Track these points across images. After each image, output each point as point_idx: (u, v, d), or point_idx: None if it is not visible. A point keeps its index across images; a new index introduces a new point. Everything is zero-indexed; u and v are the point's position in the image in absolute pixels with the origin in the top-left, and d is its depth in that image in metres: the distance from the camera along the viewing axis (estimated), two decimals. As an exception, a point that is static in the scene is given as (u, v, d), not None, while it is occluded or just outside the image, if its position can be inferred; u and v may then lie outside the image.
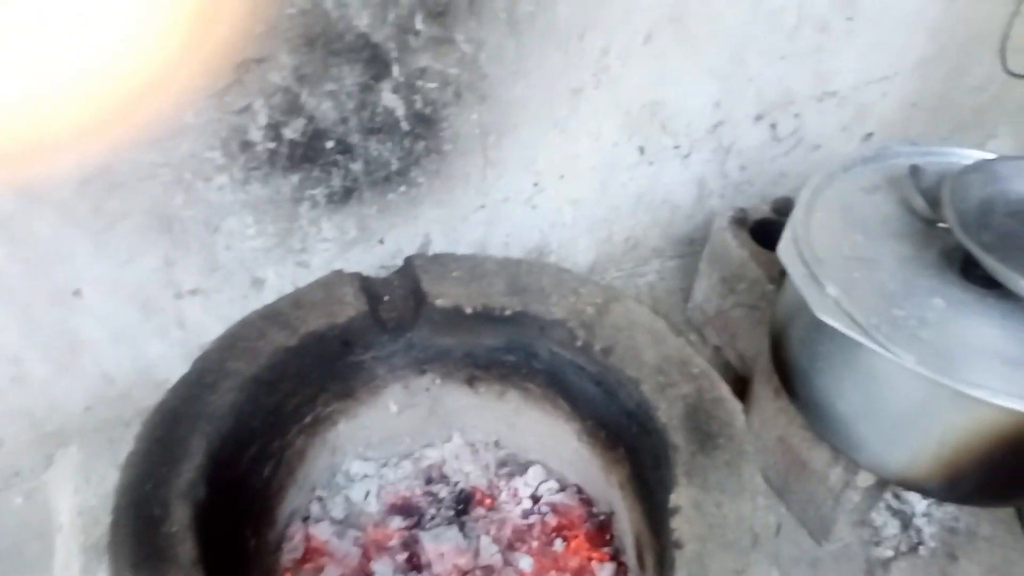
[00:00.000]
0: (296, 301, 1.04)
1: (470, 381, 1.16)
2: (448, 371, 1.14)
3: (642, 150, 1.45)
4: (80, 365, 1.20)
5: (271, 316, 1.02)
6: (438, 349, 1.12)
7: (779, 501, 1.26)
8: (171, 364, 1.20)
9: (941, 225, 1.04)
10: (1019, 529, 1.23)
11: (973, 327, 0.93)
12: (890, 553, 1.20)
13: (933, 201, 1.05)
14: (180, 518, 0.82)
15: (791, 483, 1.23)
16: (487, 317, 1.06)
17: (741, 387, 1.37)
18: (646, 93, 1.38)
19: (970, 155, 1.15)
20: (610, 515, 1.16)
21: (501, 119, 1.26)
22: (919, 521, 1.23)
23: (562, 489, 1.19)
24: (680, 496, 0.86)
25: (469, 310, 1.05)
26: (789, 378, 1.11)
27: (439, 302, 1.06)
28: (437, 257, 1.13)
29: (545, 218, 1.46)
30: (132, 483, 0.85)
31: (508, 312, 1.06)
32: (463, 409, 1.19)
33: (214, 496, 0.87)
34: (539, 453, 1.22)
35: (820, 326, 0.96)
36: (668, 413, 0.95)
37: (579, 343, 1.03)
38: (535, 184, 1.39)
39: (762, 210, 1.44)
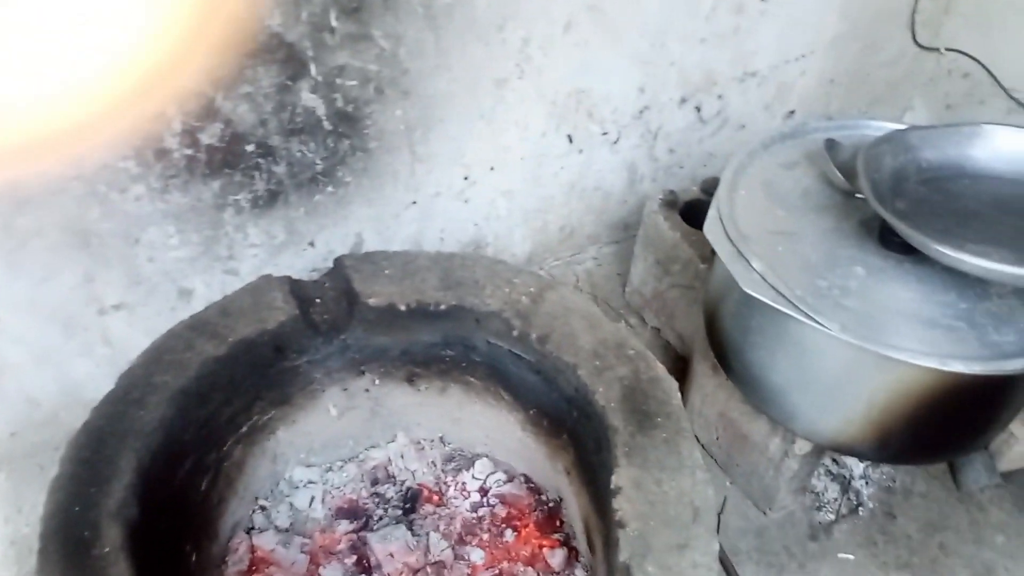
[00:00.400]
0: (223, 309, 1.02)
1: (410, 379, 1.15)
2: (387, 370, 1.13)
3: (570, 138, 1.46)
4: (2, 390, 1.15)
5: (198, 326, 0.99)
6: (375, 349, 1.10)
7: (724, 475, 1.28)
8: (99, 383, 1.15)
9: (859, 196, 1.07)
10: (952, 484, 1.27)
11: (892, 292, 0.96)
12: (831, 517, 1.23)
13: (849, 173, 1.08)
14: (111, 539, 0.79)
15: (734, 456, 1.25)
16: (422, 313, 1.05)
17: (681, 366, 1.39)
18: (570, 82, 1.38)
19: (884, 127, 1.19)
20: (559, 502, 1.17)
21: (426, 114, 1.26)
22: (857, 484, 1.26)
23: (510, 480, 1.19)
24: (621, 477, 0.87)
25: (403, 307, 1.04)
26: (724, 354, 1.13)
27: (372, 301, 1.04)
28: (368, 256, 1.11)
29: (479, 211, 1.46)
30: (59, 507, 0.82)
31: (443, 307, 1.05)
32: (405, 407, 1.18)
33: (148, 514, 0.84)
34: (485, 446, 1.22)
35: (749, 301, 0.98)
36: (606, 396, 0.96)
37: (515, 333, 1.03)
38: (466, 178, 1.39)
39: (692, 191, 1.47)
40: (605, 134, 1.49)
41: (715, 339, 1.16)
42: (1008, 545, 1.21)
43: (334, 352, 1.08)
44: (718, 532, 1.20)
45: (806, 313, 0.92)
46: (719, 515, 1.23)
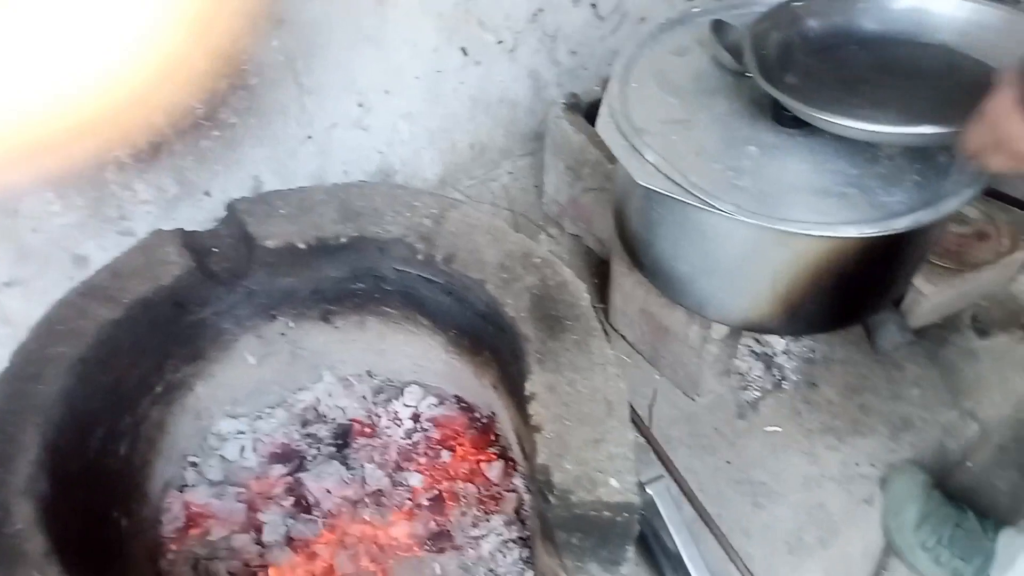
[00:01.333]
0: (115, 271, 0.98)
1: (325, 316, 1.13)
2: (299, 311, 1.11)
3: (465, 51, 1.41)
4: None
5: (89, 292, 0.96)
6: (282, 291, 1.08)
7: (653, 368, 1.31)
8: (3, 365, 1.12)
9: (749, 75, 1.06)
10: (868, 346, 1.32)
11: (785, 167, 0.96)
12: (757, 394, 1.27)
13: (739, 53, 1.07)
14: (24, 516, 0.78)
15: (659, 349, 1.28)
16: (323, 249, 1.03)
17: (604, 269, 1.40)
18: (454, -10, 1.33)
19: (772, 2, 1.17)
20: (492, 417, 1.18)
21: (306, 42, 1.20)
22: (780, 359, 1.30)
23: (441, 403, 1.20)
24: (534, 383, 0.88)
25: (303, 245, 1.02)
26: (634, 250, 1.14)
27: (269, 243, 1.01)
28: (262, 197, 1.07)
29: (380, 138, 1.42)
30: (-34, 494, 0.80)
31: (343, 239, 1.03)
32: (326, 346, 1.17)
33: (61, 487, 0.82)
34: (413, 373, 1.22)
35: (650, 195, 0.98)
36: (516, 307, 0.95)
37: (420, 256, 1.02)
38: (360, 105, 1.34)
39: (595, 91, 1.44)
40: (500, 42, 1.45)
41: (625, 237, 1.16)
42: (923, 397, 1.27)
43: (240, 300, 1.05)
44: (651, 423, 1.24)
45: (700, 198, 0.92)
46: (651, 407, 1.27)
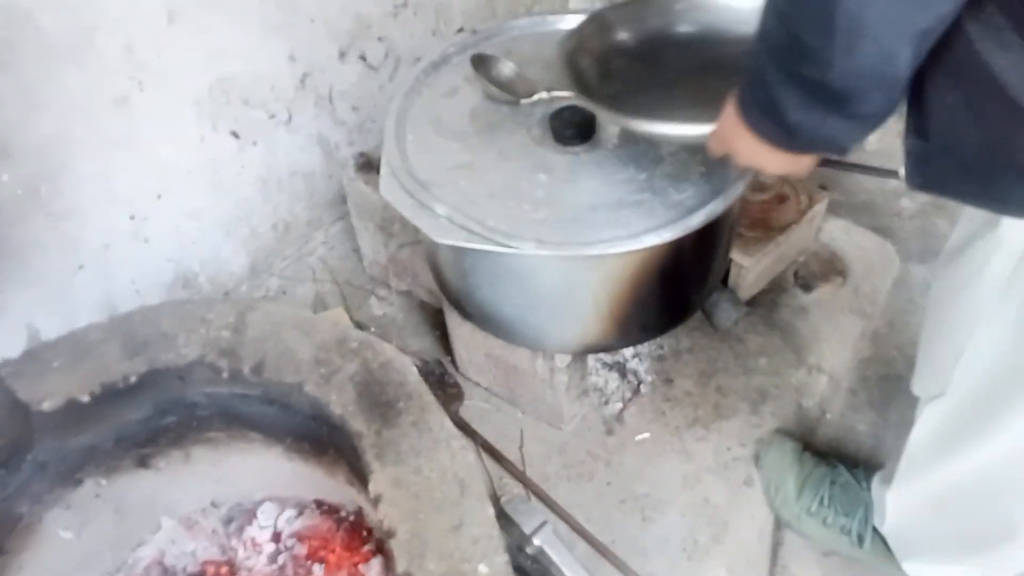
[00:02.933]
0: None
1: (142, 462, 1.01)
2: (109, 465, 0.98)
3: (236, 134, 1.32)
4: None
5: None
6: (80, 451, 0.95)
7: (515, 408, 1.27)
8: None
9: (525, 102, 1.04)
10: (711, 329, 1.34)
11: (579, 188, 0.95)
12: (619, 405, 1.26)
13: (505, 83, 1.05)
14: None
15: (514, 389, 1.24)
16: (113, 394, 0.91)
17: (441, 319, 1.35)
18: (207, 74, 1.24)
19: (538, 22, 1.17)
20: (358, 511, 1.09)
21: (43, 166, 1.07)
22: (632, 364, 1.30)
23: (301, 512, 1.10)
24: (377, 482, 0.81)
25: (86, 397, 0.89)
26: (457, 300, 1.09)
27: (46, 405, 0.88)
28: (29, 355, 0.94)
29: (167, 246, 1.30)
30: None
31: (133, 378, 0.91)
32: (154, 492, 1.04)
33: None
34: (262, 490, 1.11)
35: (455, 248, 0.93)
36: (341, 402, 0.88)
37: (225, 374, 0.92)
38: (132, 217, 1.22)
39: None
40: (273, 117, 1.37)
41: (445, 289, 1.11)
42: (771, 364, 1.30)
43: (30, 476, 0.91)
44: (525, 465, 1.20)
45: (501, 243, 0.88)
46: (521, 449, 1.22)
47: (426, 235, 1.01)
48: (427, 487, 0.80)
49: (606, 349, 1.17)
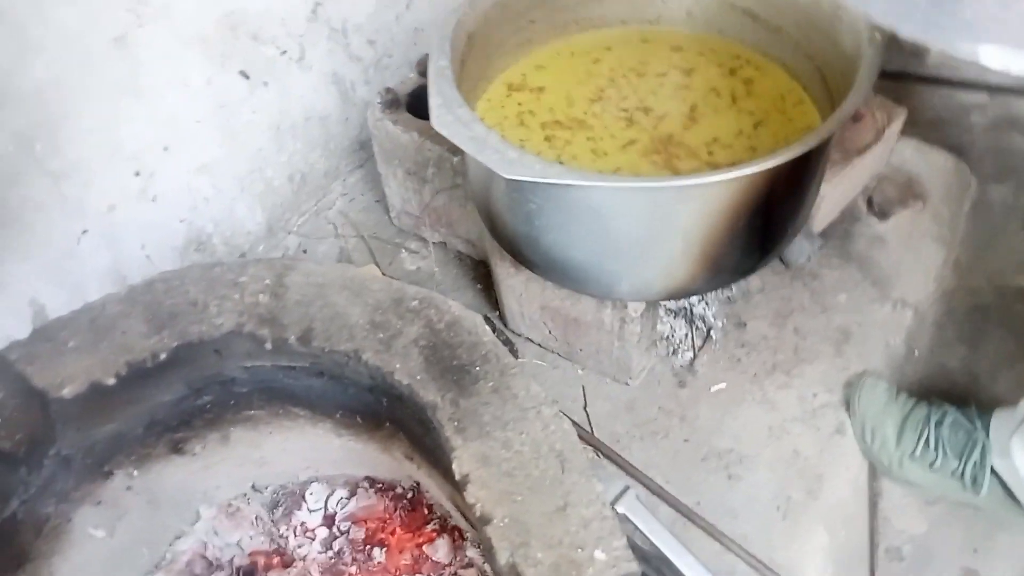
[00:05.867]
0: None
1: (176, 448, 0.89)
2: (140, 454, 0.87)
3: (245, 74, 1.17)
4: None
5: None
6: (107, 441, 0.83)
7: (573, 364, 1.16)
8: None
9: None
10: (782, 267, 1.23)
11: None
12: (689, 355, 1.15)
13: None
14: None
15: (574, 344, 1.12)
16: (141, 375, 0.79)
17: (484, 270, 1.23)
18: (212, 6, 1.09)
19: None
20: (415, 487, 0.99)
21: (40, 116, 0.93)
22: (699, 309, 1.18)
23: (353, 493, 1.00)
24: (463, 462, 0.70)
25: (111, 380, 0.78)
26: (517, 249, 0.97)
27: (66, 392, 0.77)
28: (40, 333, 0.82)
29: (177, 205, 1.16)
30: None
31: (163, 355, 0.79)
32: (190, 480, 0.93)
33: None
34: (308, 470, 1.00)
35: (520, 186, 0.81)
36: (407, 370, 0.76)
37: (268, 345, 0.80)
38: (137, 173, 1.08)
39: (411, 79, 1.24)
40: (284, 53, 1.22)
41: (501, 236, 0.99)
42: (851, 300, 1.19)
43: (54, 473, 0.80)
44: (592, 427, 1.09)
45: (588, 176, 0.76)
46: (586, 409, 1.11)
47: (482, 173, 0.88)
48: (521, 463, 0.69)
49: (689, 294, 1.05)
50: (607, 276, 0.91)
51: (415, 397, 0.75)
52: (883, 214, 1.26)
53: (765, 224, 0.88)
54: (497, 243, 1.01)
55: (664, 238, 0.85)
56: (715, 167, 0.95)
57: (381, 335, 0.79)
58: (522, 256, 0.97)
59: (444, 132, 0.81)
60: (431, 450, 0.81)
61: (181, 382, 0.83)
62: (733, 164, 0.94)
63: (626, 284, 0.92)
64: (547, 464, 0.69)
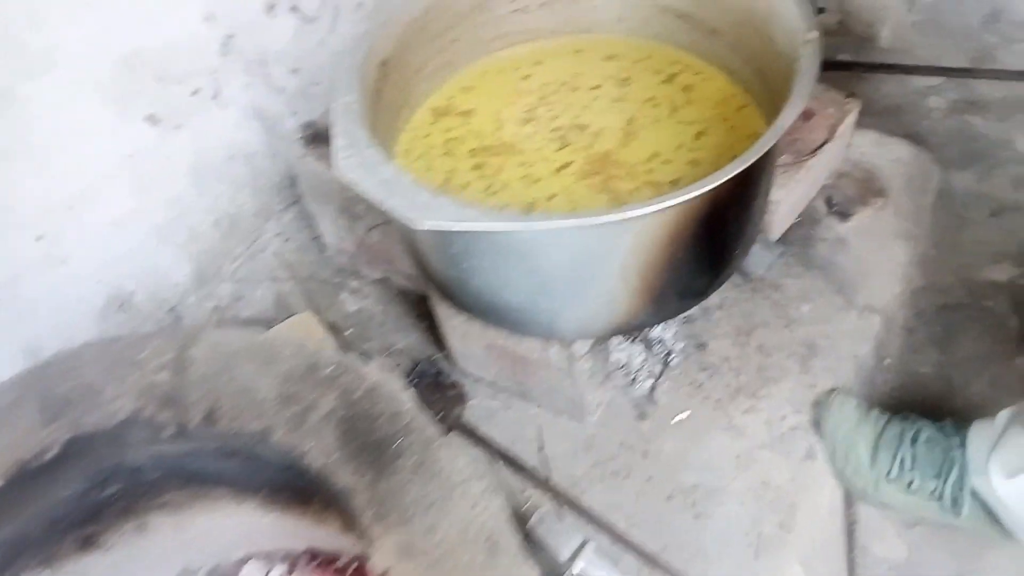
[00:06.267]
0: None
1: (88, 543, 0.81)
2: (47, 555, 0.79)
3: (153, 118, 1.09)
4: None
5: None
6: (7, 544, 0.75)
7: (526, 402, 1.09)
8: None
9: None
10: (741, 279, 1.16)
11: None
12: (650, 382, 1.08)
13: None
14: None
15: (526, 382, 1.05)
16: (32, 475, 0.71)
17: (427, 307, 1.16)
18: (106, 50, 1.01)
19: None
20: (359, 557, 0.91)
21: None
22: (656, 333, 1.11)
23: (293, 568, 0.92)
24: (383, 555, 0.63)
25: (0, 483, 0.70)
26: (449, 292, 0.90)
27: (-56, 503, 0.69)
28: (-82, 435, 0.74)
29: (91, 264, 1.08)
30: None
31: (54, 451, 0.72)
32: (110, 572, 0.85)
33: None
34: (242, 547, 0.92)
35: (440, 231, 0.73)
36: (321, 449, 0.69)
37: (169, 431, 0.73)
38: (40, 237, 1.00)
39: (335, 109, 1.17)
40: (196, 92, 1.14)
41: (430, 278, 0.92)
42: (815, 310, 1.12)
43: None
44: (550, 470, 1.02)
45: (505, 218, 0.69)
46: (541, 451, 1.04)
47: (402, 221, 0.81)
48: (447, 550, 0.62)
49: (640, 327, 0.98)
50: (544, 316, 0.84)
51: (330, 481, 0.67)
52: (844, 214, 1.19)
53: (710, 247, 0.82)
54: (428, 283, 0.94)
55: (600, 274, 0.78)
56: (656, 185, 0.89)
57: (293, 409, 0.71)
58: (454, 300, 0.90)
59: (348, 178, 0.74)
60: (362, 526, 0.74)
61: (80, 476, 0.75)
62: (674, 181, 0.89)
63: (566, 323, 0.85)
64: (476, 548, 0.62)
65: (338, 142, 0.77)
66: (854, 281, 1.14)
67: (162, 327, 1.16)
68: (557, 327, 0.86)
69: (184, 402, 0.73)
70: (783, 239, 1.18)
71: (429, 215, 0.69)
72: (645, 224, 0.72)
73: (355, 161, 0.74)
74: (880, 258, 1.16)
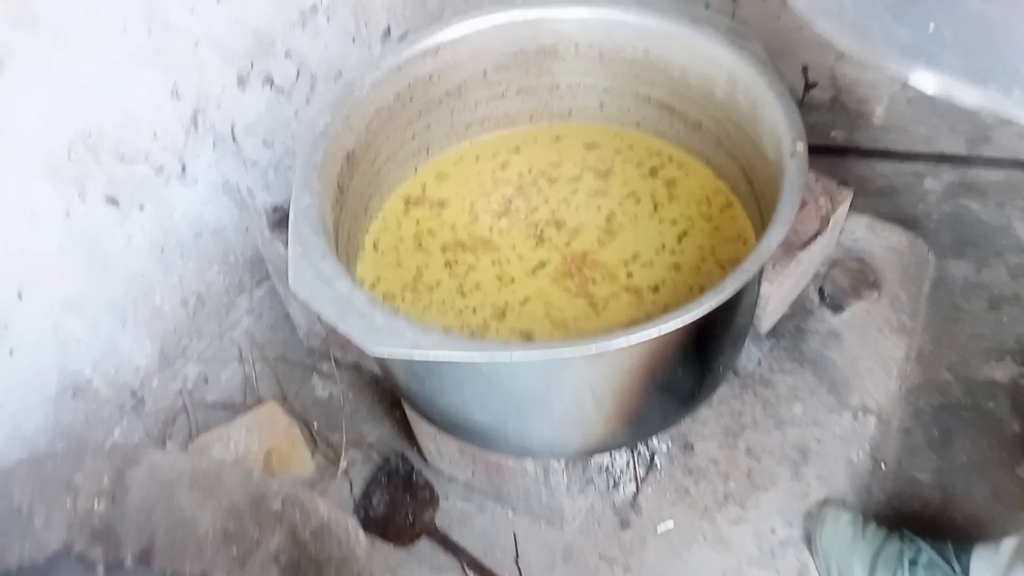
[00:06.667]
0: None
1: None
2: None
3: (114, 200, 1.04)
4: None
5: None
6: None
7: (502, 506, 1.02)
8: None
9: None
10: (730, 375, 1.10)
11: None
12: (632, 487, 1.02)
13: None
14: None
15: (501, 486, 0.99)
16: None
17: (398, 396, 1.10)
18: (61, 129, 0.96)
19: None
20: None
21: None
22: (641, 431, 1.06)
23: None
24: None
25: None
26: (415, 403, 0.84)
27: None
28: None
29: (43, 352, 1.02)
30: None
31: (-32, 594, 0.65)
32: None
33: None
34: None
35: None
36: (262, 599, 0.63)
37: (100, 569, 0.66)
38: (-16, 328, 0.94)
39: (307, 188, 1.12)
40: (161, 170, 1.09)
41: (397, 387, 0.86)
42: (807, 410, 1.07)
43: None
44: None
45: (466, 347, 0.63)
46: (517, 561, 0.98)
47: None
48: None
49: (615, 447, 0.93)
50: (514, 437, 0.78)
51: (271, 638, 0.61)
52: (836, 307, 1.15)
53: (693, 367, 0.76)
54: (396, 389, 0.88)
55: (571, 400, 0.72)
56: (635, 291, 0.84)
57: (235, 549, 0.65)
58: (421, 412, 0.84)
59: (301, 294, 0.68)
60: None
61: (0, 616, 0.69)
62: (655, 287, 0.84)
63: (537, 445, 0.79)
64: None
65: (293, 251, 0.71)
66: (847, 378, 1.09)
67: (98, 447, 1.08)
68: (529, 448, 0.80)
69: (119, 536, 0.67)
70: (773, 332, 1.13)
71: (384, 341, 0.63)
72: (619, 355, 0.66)
73: (309, 274, 0.69)
74: (874, 353, 1.11)
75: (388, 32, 1.38)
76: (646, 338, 0.61)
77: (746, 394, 1.08)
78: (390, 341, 0.63)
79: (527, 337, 0.80)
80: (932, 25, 0.50)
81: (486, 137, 1.02)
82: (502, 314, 0.83)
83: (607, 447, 0.83)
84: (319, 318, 0.66)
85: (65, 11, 0.89)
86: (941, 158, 1.26)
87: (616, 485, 1.02)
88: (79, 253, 1.03)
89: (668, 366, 0.70)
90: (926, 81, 0.48)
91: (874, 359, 1.11)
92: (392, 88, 0.89)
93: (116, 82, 0.99)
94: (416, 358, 0.62)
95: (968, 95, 0.47)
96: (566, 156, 1.00)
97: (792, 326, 1.14)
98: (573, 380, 0.69)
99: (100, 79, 0.97)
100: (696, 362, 0.74)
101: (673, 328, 0.61)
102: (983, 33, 0.50)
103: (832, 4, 0.54)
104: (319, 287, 0.68)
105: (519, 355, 0.61)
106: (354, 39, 1.32)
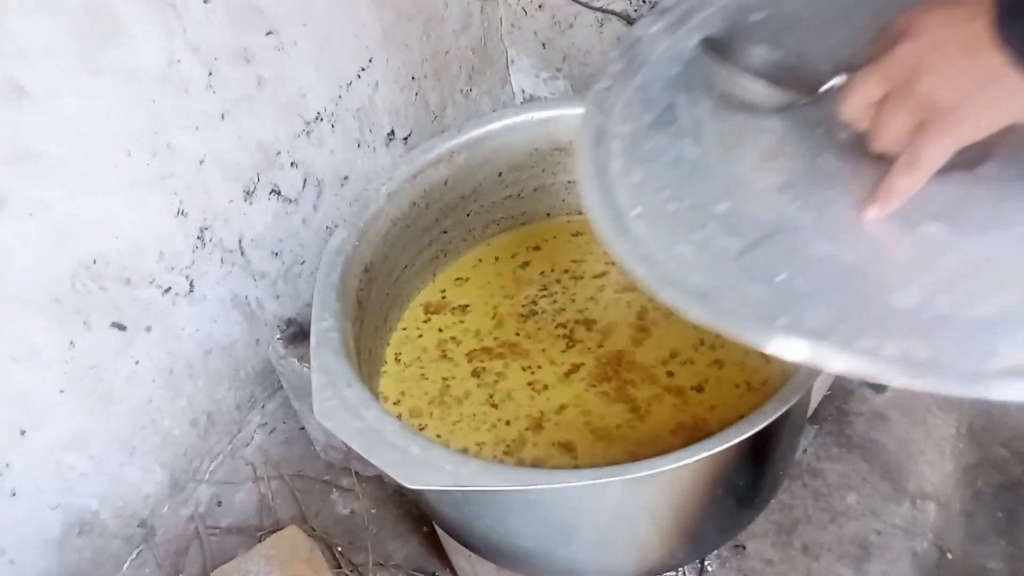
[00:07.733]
0: None
1: None
2: None
3: (120, 325, 1.00)
4: None
5: None
6: None
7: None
8: None
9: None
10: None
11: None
12: (683, 599, 0.94)
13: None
14: None
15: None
16: None
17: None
18: (63, 261, 0.93)
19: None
20: None
21: None
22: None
23: None
24: None
25: None
26: (451, 528, 0.78)
27: None
28: None
29: (45, 491, 0.96)
30: None
31: None
32: None
33: None
34: None
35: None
36: None
37: None
38: (-14, 472, 0.89)
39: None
40: (168, 291, 1.05)
41: (431, 512, 0.80)
42: (862, 500, 1.00)
43: None
44: None
45: (508, 477, 0.58)
46: None
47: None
48: None
49: (673, 568, 0.86)
50: (562, 563, 0.72)
51: None
52: (878, 387, 1.09)
53: (754, 474, 0.71)
54: (430, 514, 0.82)
55: (624, 523, 0.67)
56: (678, 392, 0.79)
57: None
58: (458, 538, 0.78)
59: (328, 426, 0.64)
60: None
61: None
62: (697, 387, 0.79)
63: (588, 571, 0.73)
64: None
65: (317, 380, 0.67)
66: (900, 462, 1.03)
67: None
68: (578, 572, 0.73)
69: None
70: (815, 416, 1.07)
71: (421, 474, 0.58)
72: (680, 470, 0.61)
73: (335, 404, 0.64)
74: (924, 432, 1.06)
75: (392, 134, 1.38)
76: (712, 452, 0.56)
77: (795, 485, 1.02)
78: (428, 474, 0.58)
79: (568, 449, 0.75)
80: (784, 275, 0.47)
81: (503, 237, 0.99)
82: (538, 425, 0.78)
83: (665, 568, 0.76)
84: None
85: (63, 143, 0.87)
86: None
87: (666, 599, 0.94)
88: (82, 386, 0.98)
89: (730, 476, 0.65)
90: (789, 347, 0.44)
91: (925, 439, 1.05)
92: (408, 196, 0.86)
93: (119, 208, 0.97)
94: (457, 490, 0.57)
95: (836, 360, 0.43)
96: (588, 252, 0.96)
97: (834, 408, 1.08)
98: (627, 500, 0.64)
99: (102, 207, 0.95)
100: (758, 466, 0.69)
101: (739, 439, 0.56)
102: (838, 280, 0.46)
103: (675, 270, 0.50)
104: (347, 418, 0.63)
105: (570, 483, 0.56)
106: (359, 144, 1.31)
